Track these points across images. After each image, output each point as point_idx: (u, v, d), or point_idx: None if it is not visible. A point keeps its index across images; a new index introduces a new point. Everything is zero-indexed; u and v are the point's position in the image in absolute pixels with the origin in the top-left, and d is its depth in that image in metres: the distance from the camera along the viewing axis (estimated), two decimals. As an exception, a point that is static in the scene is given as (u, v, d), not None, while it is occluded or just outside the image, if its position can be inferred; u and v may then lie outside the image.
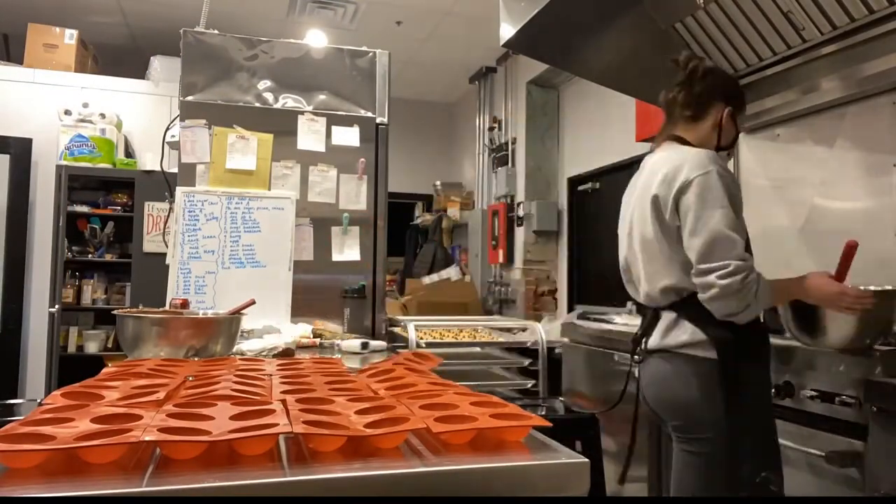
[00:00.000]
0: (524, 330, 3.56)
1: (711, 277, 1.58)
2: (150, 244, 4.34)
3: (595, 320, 3.11)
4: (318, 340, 2.38)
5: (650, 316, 1.81)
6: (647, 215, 1.72)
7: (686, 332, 1.67)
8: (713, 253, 1.59)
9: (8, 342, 4.26)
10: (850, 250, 1.73)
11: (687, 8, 2.69)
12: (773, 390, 1.84)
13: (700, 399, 1.66)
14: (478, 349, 3.44)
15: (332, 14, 4.80)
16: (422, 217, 6.59)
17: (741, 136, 3.12)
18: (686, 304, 1.69)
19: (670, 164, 1.70)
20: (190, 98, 2.87)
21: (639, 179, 1.86)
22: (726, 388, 1.62)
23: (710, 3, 2.60)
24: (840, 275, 1.74)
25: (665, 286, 1.72)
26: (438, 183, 6.38)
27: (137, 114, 4.73)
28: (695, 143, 1.80)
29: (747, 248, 1.67)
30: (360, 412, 0.95)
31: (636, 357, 1.84)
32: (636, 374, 1.87)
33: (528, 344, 3.36)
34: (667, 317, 1.74)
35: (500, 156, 5.62)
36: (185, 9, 4.24)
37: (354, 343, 2.30)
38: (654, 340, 1.77)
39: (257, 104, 2.94)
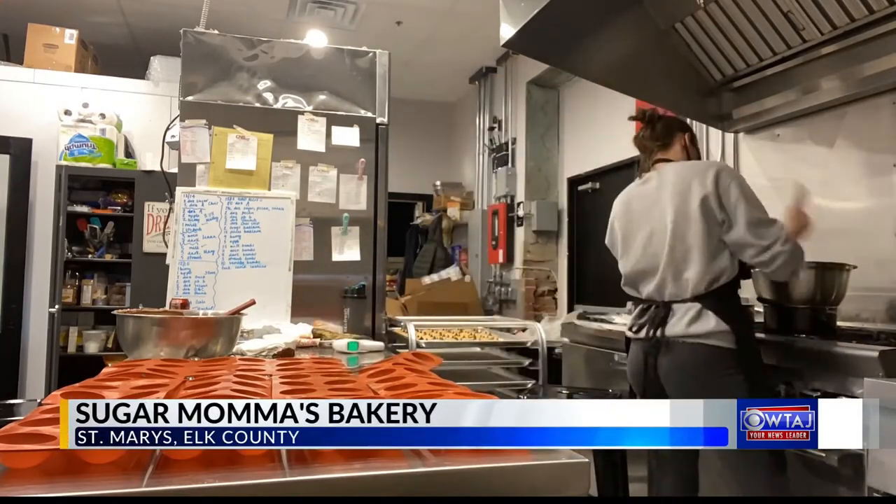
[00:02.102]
0: (524, 330, 3.55)
1: (776, 247, 1.92)
2: (150, 244, 4.33)
3: (595, 320, 3.11)
4: (317, 340, 2.38)
5: (661, 308, 2.01)
6: (693, 216, 1.98)
7: (711, 322, 1.91)
8: (767, 232, 1.93)
9: (8, 342, 4.26)
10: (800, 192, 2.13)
11: (687, 8, 2.69)
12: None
13: (721, 384, 1.88)
14: (478, 349, 3.43)
15: (332, 14, 4.80)
16: (422, 217, 6.59)
17: (741, 135, 3.15)
18: (709, 297, 1.94)
19: (695, 173, 2.01)
20: (190, 98, 2.87)
21: (648, 191, 2.14)
22: (745, 373, 1.88)
23: (710, 3, 2.60)
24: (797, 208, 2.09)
25: (707, 278, 1.95)
26: (438, 183, 6.38)
27: (137, 114, 4.72)
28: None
29: None
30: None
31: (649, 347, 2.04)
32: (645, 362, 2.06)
33: (528, 344, 3.35)
34: (687, 308, 1.96)
35: (500, 156, 5.62)
36: (185, 9, 4.23)
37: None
38: (676, 329, 1.96)
39: (257, 104, 2.94)
